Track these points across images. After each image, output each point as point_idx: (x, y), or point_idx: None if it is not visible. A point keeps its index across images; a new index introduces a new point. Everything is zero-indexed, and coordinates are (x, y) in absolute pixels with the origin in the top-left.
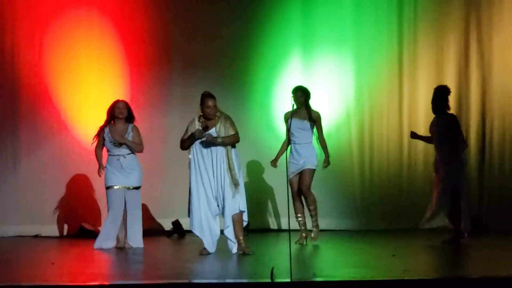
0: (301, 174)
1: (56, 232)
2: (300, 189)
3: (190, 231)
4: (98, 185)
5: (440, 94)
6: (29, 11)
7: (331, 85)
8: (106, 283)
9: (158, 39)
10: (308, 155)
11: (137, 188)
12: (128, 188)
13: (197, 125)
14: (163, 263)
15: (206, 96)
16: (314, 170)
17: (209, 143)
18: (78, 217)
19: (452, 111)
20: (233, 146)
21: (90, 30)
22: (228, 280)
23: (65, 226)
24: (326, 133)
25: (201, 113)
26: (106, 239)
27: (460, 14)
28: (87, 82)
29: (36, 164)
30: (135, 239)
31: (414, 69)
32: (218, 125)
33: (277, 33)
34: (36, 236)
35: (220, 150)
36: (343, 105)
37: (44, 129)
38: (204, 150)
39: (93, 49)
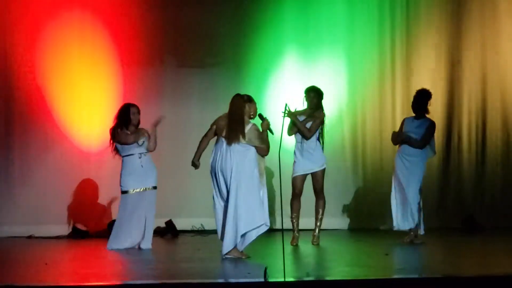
0: (314, 174)
1: (49, 233)
2: (315, 189)
3: (183, 231)
4: (91, 186)
5: (425, 98)
6: (22, 13)
7: (324, 84)
8: (100, 283)
9: (150, 39)
10: (318, 156)
11: (155, 187)
12: (147, 189)
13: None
14: (157, 263)
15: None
16: (324, 170)
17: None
18: (71, 218)
19: (444, 111)
20: None
21: (83, 31)
22: (221, 280)
23: (58, 227)
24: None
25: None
26: (122, 241)
27: (452, 13)
28: (80, 83)
29: (29, 165)
30: (148, 240)
31: (406, 68)
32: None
33: (271, 32)
34: (29, 237)
35: None
36: (335, 104)
37: (38, 131)
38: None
39: (86, 50)
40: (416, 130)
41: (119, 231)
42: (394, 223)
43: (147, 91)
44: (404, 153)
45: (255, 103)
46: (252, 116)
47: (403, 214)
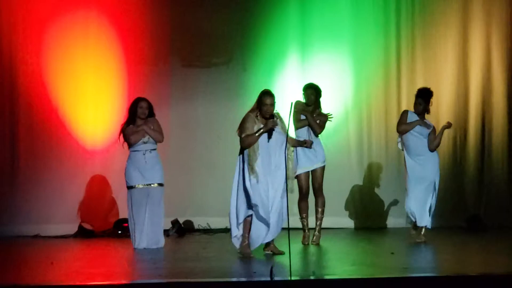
0: (314, 172)
1: (55, 232)
2: (314, 187)
3: (189, 230)
4: (97, 185)
5: (429, 97)
6: (26, 12)
7: (329, 84)
8: (105, 282)
9: (155, 39)
10: (320, 151)
11: (161, 185)
12: (151, 185)
13: (257, 121)
14: (163, 262)
15: (266, 94)
16: (324, 166)
17: (271, 136)
18: (77, 217)
19: (451, 110)
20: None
21: (87, 30)
22: (227, 279)
23: (64, 226)
24: (325, 132)
25: (257, 111)
26: (138, 239)
27: (458, 12)
28: (85, 82)
29: (34, 164)
30: (157, 238)
31: (412, 68)
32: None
33: (275, 32)
34: (35, 236)
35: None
36: (341, 104)
37: (42, 129)
38: (267, 149)
39: (91, 49)
40: (425, 132)
41: (134, 229)
42: (416, 220)
43: (152, 91)
44: (414, 153)
45: (265, 100)
46: (267, 111)
47: (422, 212)
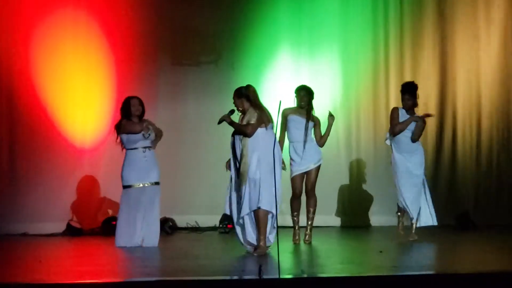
0: (308, 172)
1: (43, 230)
2: (306, 187)
3: (179, 228)
4: (85, 183)
5: (416, 90)
6: (15, 11)
7: (317, 82)
8: (93, 280)
9: (144, 37)
10: (314, 152)
11: (157, 183)
12: (149, 184)
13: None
14: (151, 260)
15: None
16: (320, 166)
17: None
18: (66, 215)
19: (438, 109)
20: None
21: (76, 29)
22: (215, 277)
23: (53, 225)
24: None
25: None
26: (128, 237)
27: (446, 10)
28: (74, 80)
29: (23, 162)
30: (152, 238)
31: (400, 68)
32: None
33: (264, 30)
34: (23, 234)
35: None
36: (330, 104)
37: (31, 128)
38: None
39: (80, 48)
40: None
41: (124, 227)
42: (410, 214)
43: (142, 89)
44: (403, 150)
45: (234, 97)
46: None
47: (417, 206)
